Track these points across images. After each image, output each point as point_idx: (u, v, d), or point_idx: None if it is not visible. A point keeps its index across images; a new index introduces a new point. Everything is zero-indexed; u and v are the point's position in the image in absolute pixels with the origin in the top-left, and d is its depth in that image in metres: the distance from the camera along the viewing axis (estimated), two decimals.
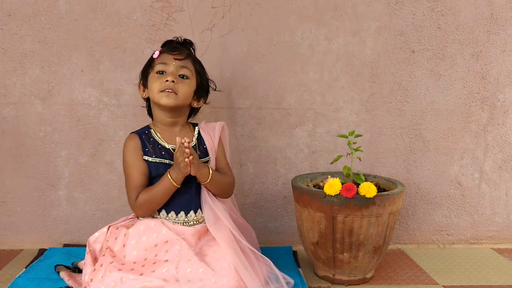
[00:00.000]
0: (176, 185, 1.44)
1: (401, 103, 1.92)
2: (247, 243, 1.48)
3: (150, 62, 1.54)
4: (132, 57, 1.81)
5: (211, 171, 1.48)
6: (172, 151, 1.50)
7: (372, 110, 1.92)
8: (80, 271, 1.57)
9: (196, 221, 1.50)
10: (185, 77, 1.51)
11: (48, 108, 1.81)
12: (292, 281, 1.50)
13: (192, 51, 1.58)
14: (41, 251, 1.79)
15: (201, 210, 1.50)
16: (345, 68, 1.88)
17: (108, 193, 1.87)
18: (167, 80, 1.47)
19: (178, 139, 1.41)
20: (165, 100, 1.47)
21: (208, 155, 1.55)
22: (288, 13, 1.84)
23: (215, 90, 1.64)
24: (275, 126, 1.89)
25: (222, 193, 1.55)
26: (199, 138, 1.58)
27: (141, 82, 1.57)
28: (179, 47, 1.55)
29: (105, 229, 1.50)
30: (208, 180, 1.47)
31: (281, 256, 1.78)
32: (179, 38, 1.59)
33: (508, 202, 2.02)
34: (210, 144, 1.57)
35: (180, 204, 1.49)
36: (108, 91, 1.82)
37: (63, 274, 1.53)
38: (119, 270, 1.34)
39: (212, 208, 1.48)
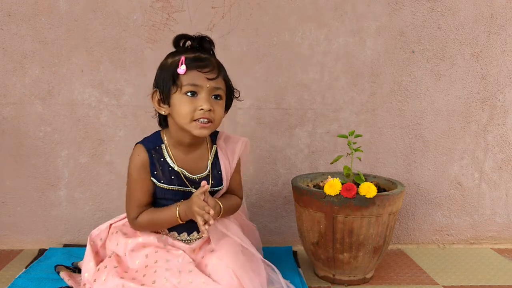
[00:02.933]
0: (182, 222, 1.36)
1: (401, 103, 1.92)
2: (255, 250, 1.43)
3: (173, 77, 1.30)
4: (132, 57, 1.81)
5: (221, 208, 1.38)
6: (182, 175, 1.38)
7: (372, 110, 1.92)
8: (80, 271, 1.57)
9: (197, 239, 1.43)
10: (219, 97, 1.33)
11: (48, 108, 1.81)
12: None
13: (215, 55, 1.38)
14: (41, 251, 1.79)
15: (196, 232, 1.43)
16: (345, 68, 1.88)
17: (108, 193, 1.87)
18: (201, 108, 1.28)
19: (204, 183, 1.31)
20: (199, 131, 1.30)
21: (222, 184, 1.43)
22: (288, 13, 1.84)
23: (237, 98, 1.44)
24: (275, 126, 1.89)
25: (228, 215, 1.47)
26: (215, 161, 1.43)
27: (159, 96, 1.33)
28: (207, 60, 1.32)
29: (106, 225, 1.47)
30: (219, 216, 1.39)
31: (281, 256, 1.78)
32: (197, 41, 1.35)
33: (508, 202, 2.02)
34: (227, 168, 1.44)
35: (183, 226, 1.40)
36: (108, 91, 1.82)
37: (63, 274, 1.53)
38: (121, 278, 1.31)
39: (217, 227, 1.40)
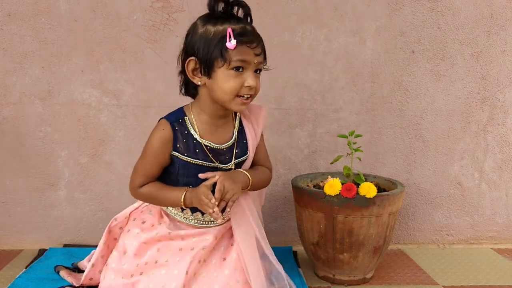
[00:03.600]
0: (184, 207, 1.34)
1: (401, 103, 1.92)
2: (270, 249, 1.42)
3: (221, 51, 1.23)
4: (132, 57, 1.81)
5: (250, 179, 1.35)
6: (207, 148, 1.33)
7: (372, 110, 1.91)
8: (80, 271, 1.57)
9: (211, 221, 1.39)
10: (259, 71, 1.31)
11: (48, 108, 1.81)
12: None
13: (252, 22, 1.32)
14: (41, 251, 1.79)
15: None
16: (345, 68, 1.88)
17: (108, 193, 1.87)
18: (248, 85, 1.26)
19: (205, 175, 1.30)
20: (240, 107, 1.29)
21: (247, 153, 1.39)
22: (288, 13, 1.84)
23: (268, 69, 1.40)
24: (275, 126, 1.89)
25: (259, 189, 1.45)
26: (241, 131, 1.39)
27: (196, 65, 1.28)
28: (254, 34, 1.28)
29: (125, 215, 1.46)
30: (248, 188, 1.36)
31: (281, 256, 1.77)
32: (233, 5, 1.28)
33: (508, 202, 2.02)
34: (253, 137, 1.39)
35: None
36: (108, 91, 1.82)
37: (63, 273, 1.53)
38: (122, 277, 1.33)
39: (243, 205, 1.37)
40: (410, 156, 1.95)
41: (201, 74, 1.28)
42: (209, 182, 1.29)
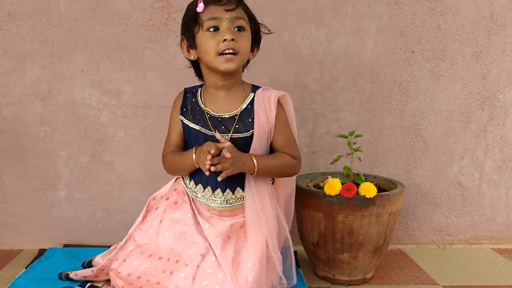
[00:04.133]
0: (197, 166, 1.34)
1: (401, 103, 1.92)
2: (277, 250, 1.43)
3: (195, 18, 1.31)
4: (132, 57, 1.81)
5: (255, 162, 1.31)
6: (207, 116, 1.38)
7: (372, 110, 1.91)
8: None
9: (224, 201, 1.38)
10: (242, 29, 1.32)
11: (48, 108, 1.81)
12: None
13: None
14: (41, 251, 1.79)
15: (230, 190, 1.38)
16: (345, 68, 1.88)
17: (108, 193, 1.87)
18: (225, 39, 1.27)
19: (218, 135, 1.32)
20: (225, 65, 1.30)
21: (250, 130, 1.36)
22: (288, 13, 1.84)
23: (269, 32, 1.43)
24: None
25: (280, 176, 1.43)
26: (249, 107, 1.37)
27: (185, 41, 1.36)
28: None
29: (167, 187, 1.50)
30: (255, 173, 1.33)
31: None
32: None
33: (508, 202, 2.02)
34: (260, 118, 1.35)
35: (207, 180, 1.38)
36: (108, 91, 1.82)
37: (72, 274, 1.50)
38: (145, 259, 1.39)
39: (254, 194, 1.36)
40: (410, 156, 1.95)
41: (191, 49, 1.36)
42: (215, 143, 1.31)
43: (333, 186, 1.50)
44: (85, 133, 1.84)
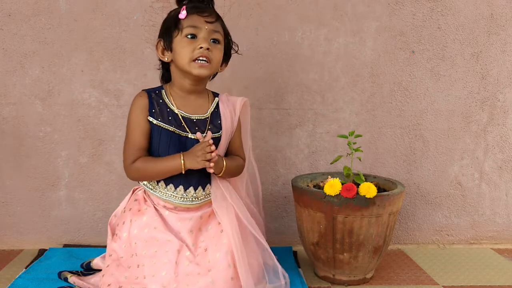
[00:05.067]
0: (183, 172, 1.37)
1: (401, 103, 1.92)
2: (255, 229, 1.46)
3: (175, 22, 1.39)
4: (132, 57, 1.81)
5: (224, 163, 1.42)
6: (181, 117, 1.42)
7: (372, 110, 1.92)
8: (90, 269, 1.57)
9: (195, 198, 1.43)
10: (217, 41, 1.40)
11: (48, 108, 1.81)
12: (287, 276, 1.49)
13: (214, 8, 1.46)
14: (41, 251, 1.79)
15: (201, 187, 1.44)
16: (345, 68, 1.88)
17: (108, 193, 1.87)
18: (201, 47, 1.36)
19: (199, 134, 1.37)
20: (198, 71, 1.37)
21: (219, 132, 1.45)
22: (288, 13, 1.84)
23: (236, 52, 1.52)
24: (275, 126, 1.89)
25: (232, 177, 1.51)
26: (216, 111, 1.48)
27: (162, 43, 1.42)
28: (207, 7, 1.42)
29: (121, 209, 1.49)
30: (221, 174, 1.42)
31: (281, 256, 1.78)
32: None
33: (508, 202, 2.02)
34: (227, 121, 1.47)
35: (180, 179, 1.41)
36: (108, 91, 1.82)
37: (72, 279, 1.50)
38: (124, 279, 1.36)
39: (220, 186, 1.44)
40: (410, 156, 1.95)
41: (166, 50, 1.42)
42: (199, 136, 1.38)
43: (333, 186, 1.50)
44: (85, 133, 1.84)
